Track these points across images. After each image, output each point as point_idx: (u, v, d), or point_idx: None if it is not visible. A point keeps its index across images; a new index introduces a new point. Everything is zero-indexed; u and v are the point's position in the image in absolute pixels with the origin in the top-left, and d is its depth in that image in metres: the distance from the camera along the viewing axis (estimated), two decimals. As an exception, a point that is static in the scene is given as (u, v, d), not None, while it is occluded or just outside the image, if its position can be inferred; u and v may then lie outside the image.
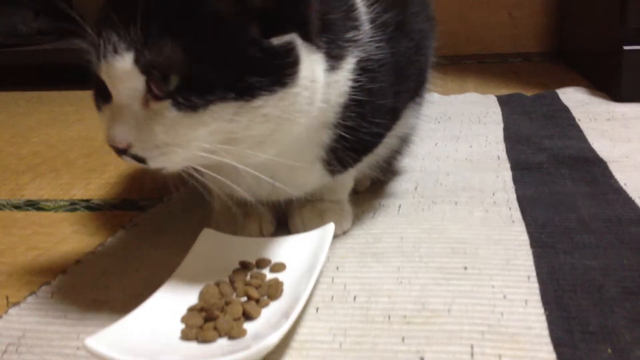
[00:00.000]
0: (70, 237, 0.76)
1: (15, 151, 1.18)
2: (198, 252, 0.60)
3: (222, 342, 0.48)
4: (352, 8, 0.57)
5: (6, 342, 0.52)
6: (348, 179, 0.71)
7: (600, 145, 0.96)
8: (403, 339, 0.49)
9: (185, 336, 0.49)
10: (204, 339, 0.48)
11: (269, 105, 0.48)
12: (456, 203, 0.76)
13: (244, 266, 0.59)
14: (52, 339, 0.52)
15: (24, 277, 0.65)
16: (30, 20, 1.99)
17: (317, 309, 0.54)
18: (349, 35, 0.56)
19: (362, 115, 0.59)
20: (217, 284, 0.55)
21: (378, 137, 0.65)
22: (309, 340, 0.50)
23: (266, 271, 0.59)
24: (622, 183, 0.79)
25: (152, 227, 0.75)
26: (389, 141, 0.71)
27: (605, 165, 0.86)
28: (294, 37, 0.49)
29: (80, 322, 0.54)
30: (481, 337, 0.49)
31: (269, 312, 0.52)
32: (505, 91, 1.45)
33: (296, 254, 0.60)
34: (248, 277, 0.57)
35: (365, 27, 0.58)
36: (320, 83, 0.53)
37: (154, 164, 0.50)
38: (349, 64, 0.56)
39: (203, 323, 0.50)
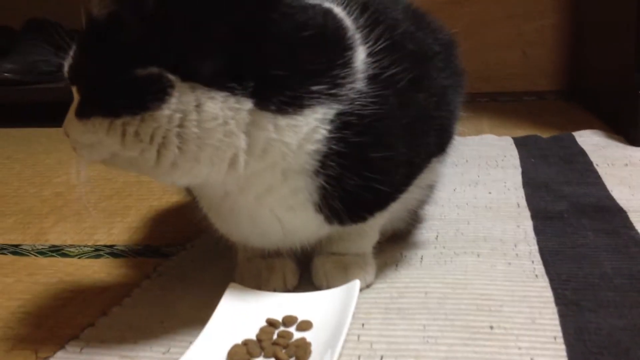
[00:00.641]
0: (96, 286, 0.76)
1: (37, 192, 1.20)
2: (225, 309, 0.60)
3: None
4: (336, 65, 0.57)
5: (37, 401, 0.53)
6: (370, 231, 0.71)
7: (620, 193, 0.96)
8: (432, 403, 0.49)
9: (216, 399, 0.49)
10: (234, 402, 0.48)
11: (132, 124, 0.54)
12: (478, 255, 0.76)
13: (271, 324, 0.59)
14: (82, 398, 0.53)
15: (52, 330, 0.66)
16: (49, 58, 2.03)
17: (345, 370, 0.54)
18: (316, 88, 0.56)
19: (347, 167, 0.59)
20: (245, 344, 0.55)
21: (392, 192, 0.65)
22: (338, 403, 0.50)
23: (292, 329, 0.59)
24: (643, 235, 0.79)
25: (176, 277, 0.76)
26: (416, 191, 0.71)
27: (626, 215, 0.87)
28: (161, 71, 0.53)
29: (110, 381, 0.55)
30: (510, 403, 0.49)
31: (298, 373, 0.52)
32: (520, 132, 1.46)
33: (322, 312, 0.60)
34: (275, 336, 0.57)
35: (357, 84, 0.58)
36: (214, 115, 0.54)
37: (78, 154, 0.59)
38: (317, 113, 0.56)
39: (233, 385, 0.50)
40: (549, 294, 0.65)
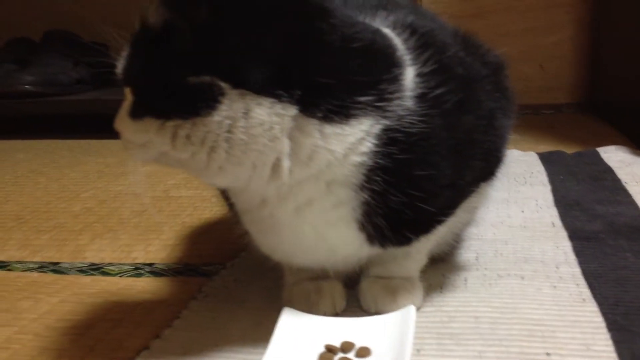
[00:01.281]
0: (142, 307, 0.77)
1: (67, 208, 1.21)
2: (282, 336, 0.61)
3: None
4: (383, 79, 0.58)
5: None
6: (416, 255, 0.72)
7: (652, 212, 0.97)
8: None
9: None
10: None
11: (184, 128, 0.55)
12: (522, 277, 0.77)
13: (330, 350, 0.60)
14: None
15: (106, 354, 0.66)
16: (69, 70, 2.04)
17: (407, 398, 0.55)
18: (363, 99, 0.57)
19: (392, 183, 0.59)
20: (307, 371, 0.56)
21: (437, 213, 0.64)
22: None
23: (352, 354, 0.60)
24: (683, 257, 0.80)
25: (223, 298, 0.76)
26: (463, 215, 0.72)
27: (662, 236, 0.87)
28: (213, 79, 0.54)
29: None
30: None
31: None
32: (543, 146, 1.47)
33: (379, 338, 0.61)
34: (335, 363, 0.58)
35: (405, 101, 0.59)
36: (261, 121, 0.55)
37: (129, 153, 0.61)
38: (363, 124, 0.57)
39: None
40: (599, 319, 0.66)
